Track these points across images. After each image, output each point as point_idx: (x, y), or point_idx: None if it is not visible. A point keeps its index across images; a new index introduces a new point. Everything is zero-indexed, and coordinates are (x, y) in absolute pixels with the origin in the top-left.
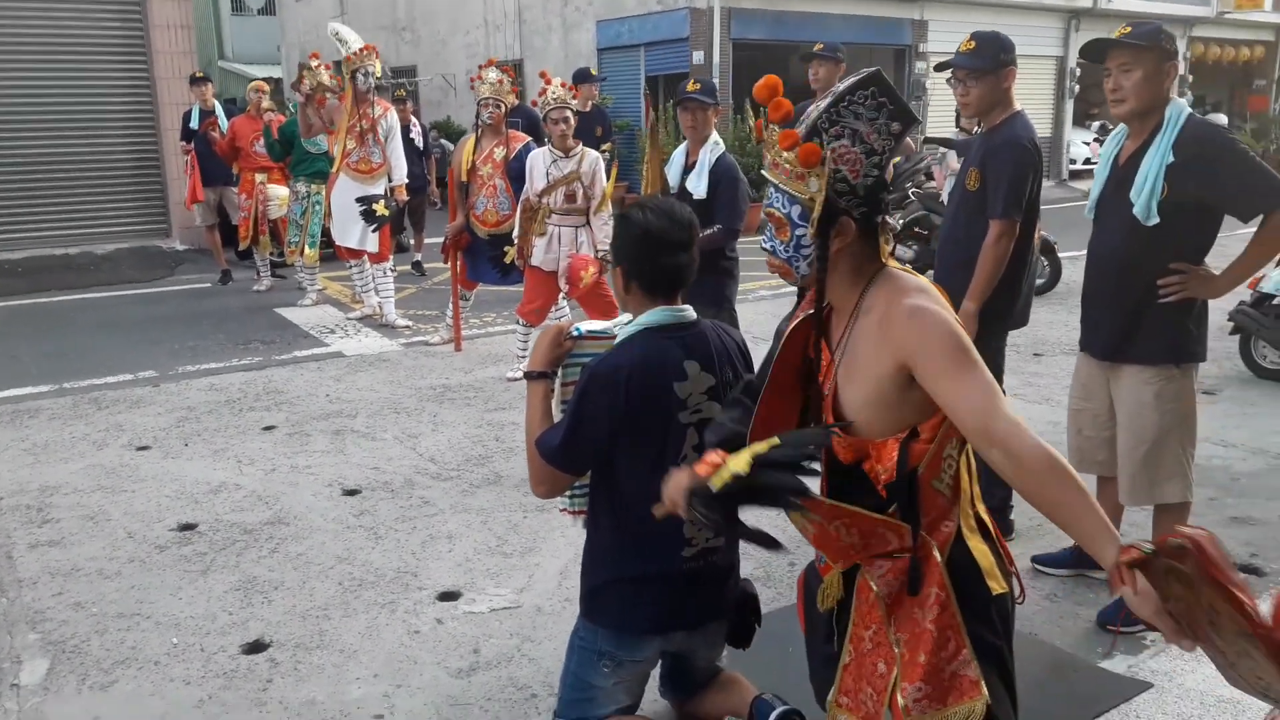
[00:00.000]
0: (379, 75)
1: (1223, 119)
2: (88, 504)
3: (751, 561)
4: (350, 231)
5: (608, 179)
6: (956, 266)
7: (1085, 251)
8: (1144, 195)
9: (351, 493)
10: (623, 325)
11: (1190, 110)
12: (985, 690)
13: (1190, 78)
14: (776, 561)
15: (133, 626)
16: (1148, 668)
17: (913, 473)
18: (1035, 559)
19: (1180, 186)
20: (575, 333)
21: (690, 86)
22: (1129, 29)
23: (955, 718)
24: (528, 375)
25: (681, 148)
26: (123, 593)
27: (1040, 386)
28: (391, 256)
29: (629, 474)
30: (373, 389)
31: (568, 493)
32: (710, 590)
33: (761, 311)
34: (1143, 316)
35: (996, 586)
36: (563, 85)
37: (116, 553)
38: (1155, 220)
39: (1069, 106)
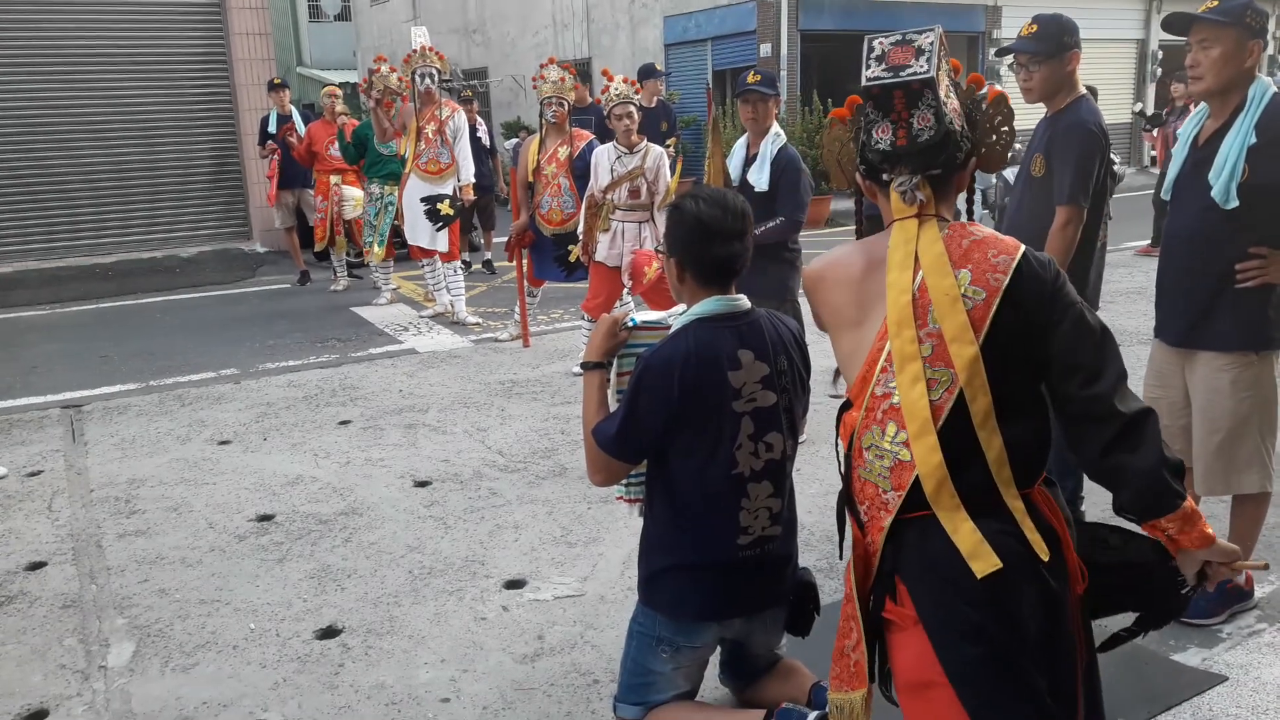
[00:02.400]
0: (445, 76)
1: None
2: (172, 496)
3: (815, 553)
4: (421, 231)
5: (672, 175)
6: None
7: (1144, 244)
8: (1223, 177)
9: (422, 484)
10: (678, 315)
11: (1277, 90)
12: (865, 682)
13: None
14: (835, 553)
15: (213, 612)
16: (1222, 661)
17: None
18: None
19: (1262, 169)
20: (630, 323)
21: (750, 78)
22: (1215, 2)
23: (841, 704)
24: (584, 366)
25: (742, 140)
26: (204, 580)
27: None
28: (462, 255)
29: (684, 462)
30: (444, 384)
31: (624, 481)
32: (767, 578)
33: None
34: (1219, 301)
35: (981, 567)
36: (626, 81)
37: (198, 542)
38: (1235, 203)
39: (1151, 90)
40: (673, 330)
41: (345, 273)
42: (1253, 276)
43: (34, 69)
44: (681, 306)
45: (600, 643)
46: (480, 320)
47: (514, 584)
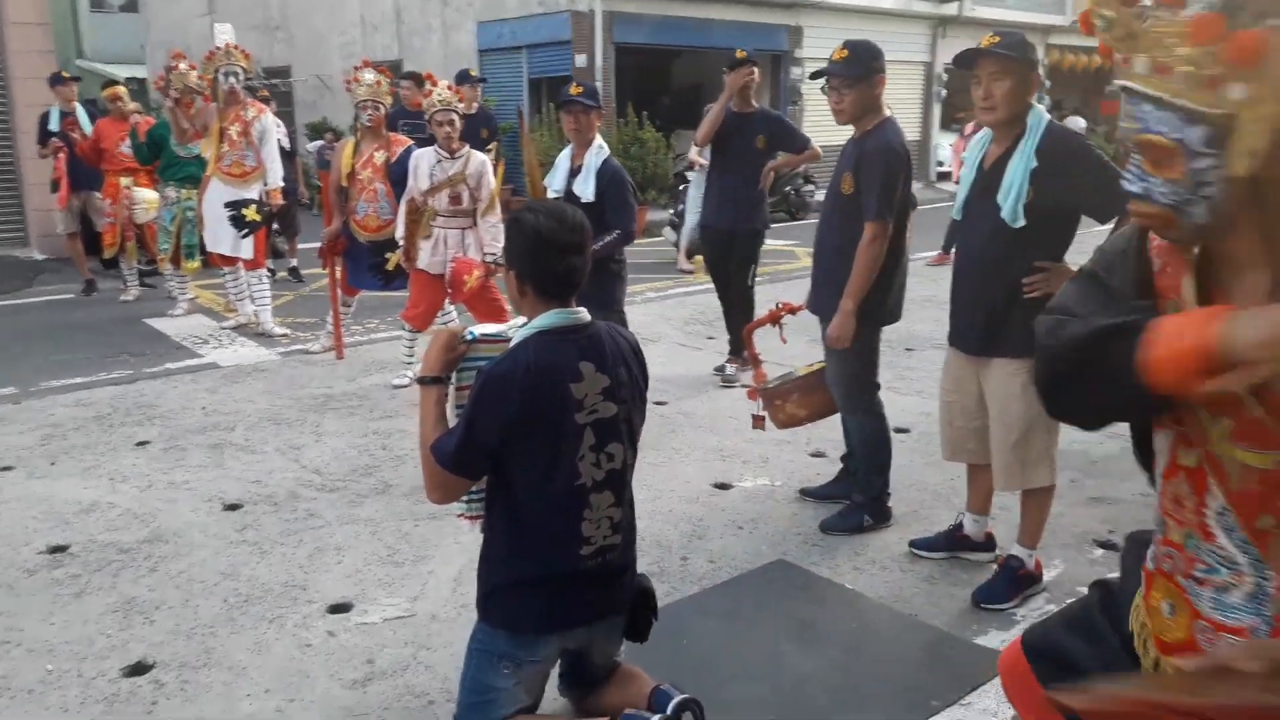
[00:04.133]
0: (250, 75)
1: (1082, 123)
2: None
3: (646, 558)
4: (223, 238)
5: (494, 181)
6: (833, 267)
7: (935, 254)
8: (1011, 199)
9: (233, 507)
10: (517, 329)
11: (1049, 117)
12: None
13: (1048, 83)
14: (669, 557)
15: (2, 655)
16: None
17: None
18: (912, 543)
19: (1044, 190)
20: (469, 336)
21: (573, 90)
22: (997, 38)
23: None
24: (421, 380)
25: (566, 151)
26: None
27: (912, 380)
28: (268, 262)
29: (525, 476)
30: (251, 400)
31: (464, 497)
32: (608, 587)
33: (650, 314)
34: (1011, 312)
35: None
36: (449, 88)
37: None
38: (1022, 223)
39: (936, 111)
40: (513, 343)
41: (136, 282)
42: (1038, 288)
43: None
44: (520, 319)
45: (434, 663)
46: (288, 331)
47: (339, 608)
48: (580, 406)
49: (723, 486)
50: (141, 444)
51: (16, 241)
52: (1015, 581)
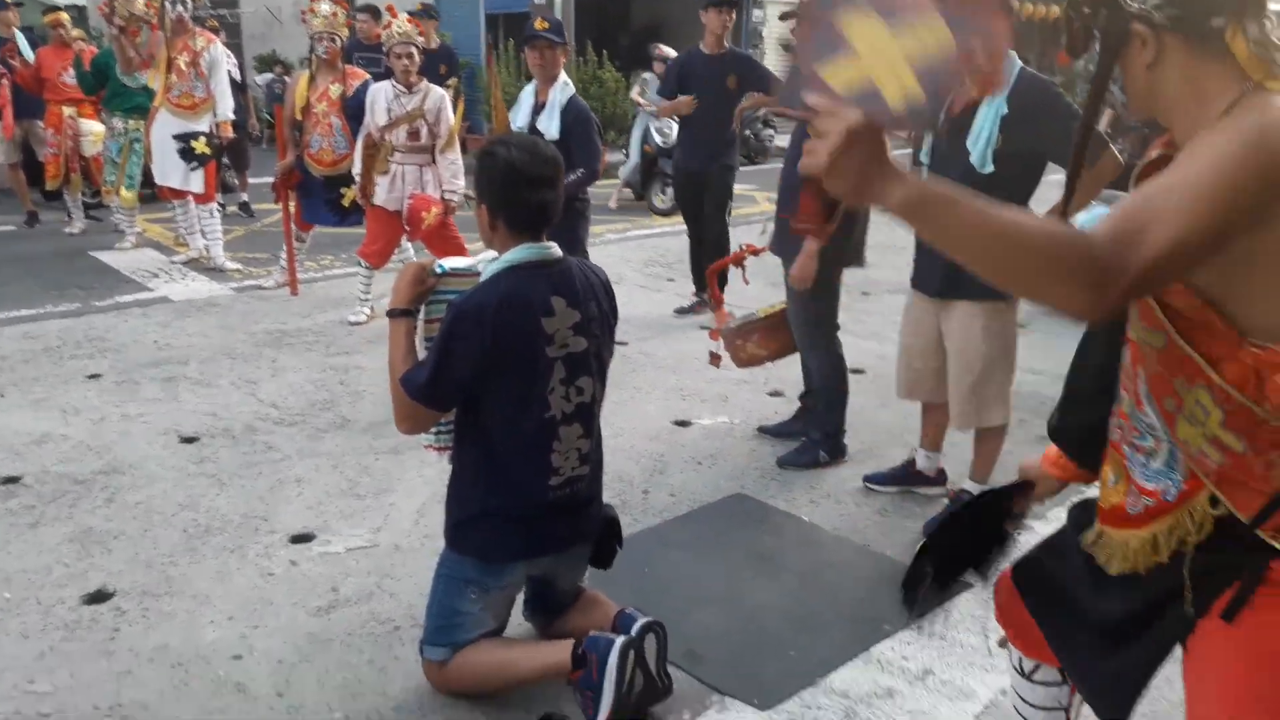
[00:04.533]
0: (196, 3)
1: None
2: None
3: (609, 491)
4: (172, 171)
5: (454, 115)
6: (796, 209)
7: None
8: (980, 144)
9: (189, 440)
10: (487, 263)
11: (1021, 65)
12: None
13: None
14: (631, 491)
15: None
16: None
17: None
18: (866, 478)
19: (1013, 137)
20: (439, 270)
21: (538, 24)
22: None
23: None
24: (390, 313)
25: (530, 87)
26: None
27: (868, 323)
28: (218, 197)
29: (496, 408)
30: (204, 335)
31: (433, 429)
32: (575, 517)
33: (610, 255)
34: None
35: None
36: (409, 20)
37: None
38: (990, 168)
39: None
40: (484, 277)
41: (82, 214)
42: None
43: None
44: (490, 253)
45: (398, 591)
46: (241, 267)
47: (301, 538)
48: (551, 340)
49: (683, 424)
50: (93, 377)
51: None
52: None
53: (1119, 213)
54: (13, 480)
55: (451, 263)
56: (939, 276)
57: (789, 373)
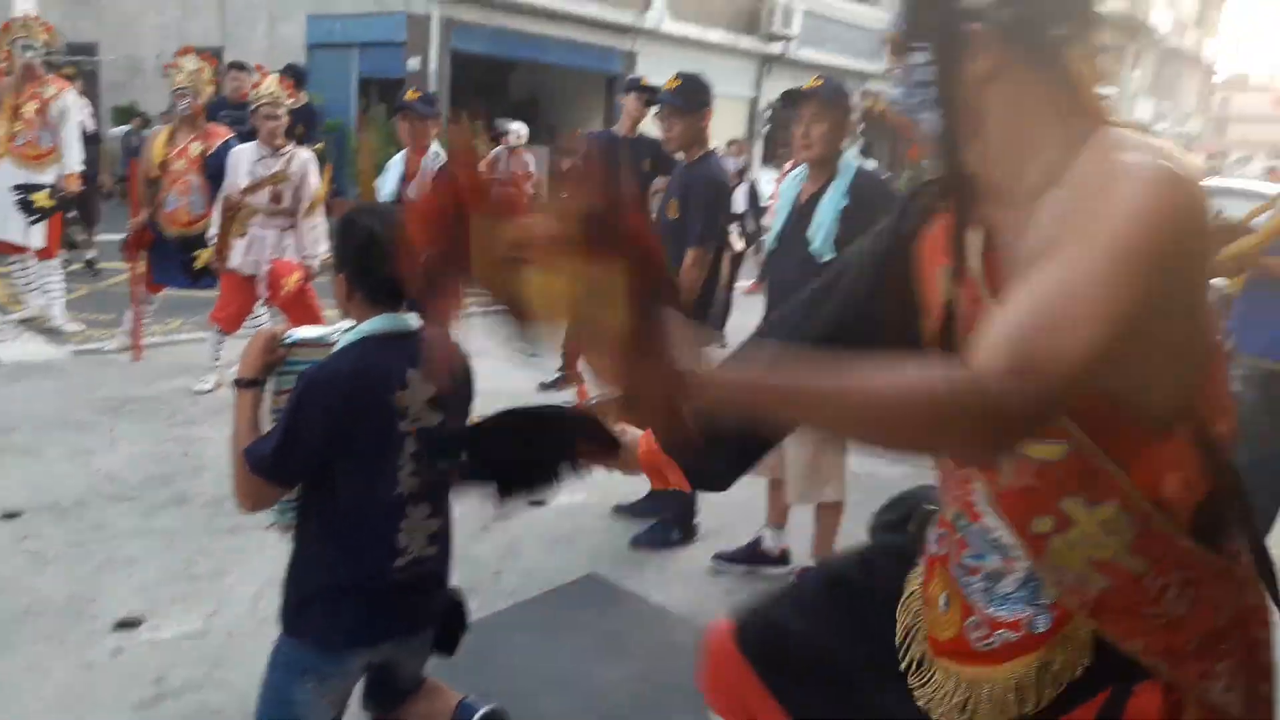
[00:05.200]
0: (52, 49)
1: (874, 164)
2: None
3: (458, 573)
4: (11, 224)
5: (320, 181)
6: None
7: (751, 282)
8: (822, 233)
9: (11, 515)
10: (341, 332)
11: (858, 161)
12: None
13: (862, 125)
14: (481, 572)
15: None
16: None
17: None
18: (715, 557)
19: (852, 227)
20: (289, 339)
21: (410, 95)
22: (821, 81)
23: None
24: (237, 383)
25: (400, 155)
26: None
27: None
28: (62, 252)
29: (343, 483)
30: (37, 399)
31: (276, 506)
32: (421, 600)
33: (474, 326)
34: None
35: None
36: (279, 81)
37: None
38: (830, 255)
39: (759, 145)
40: (337, 347)
41: None
42: None
43: None
44: (345, 324)
45: (231, 679)
46: (82, 328)
47: (127, 624)
48: (404, 415)
49: (537, 502)
50: None
51: None
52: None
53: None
54: None
55: (303, 332)
56: None
57: None
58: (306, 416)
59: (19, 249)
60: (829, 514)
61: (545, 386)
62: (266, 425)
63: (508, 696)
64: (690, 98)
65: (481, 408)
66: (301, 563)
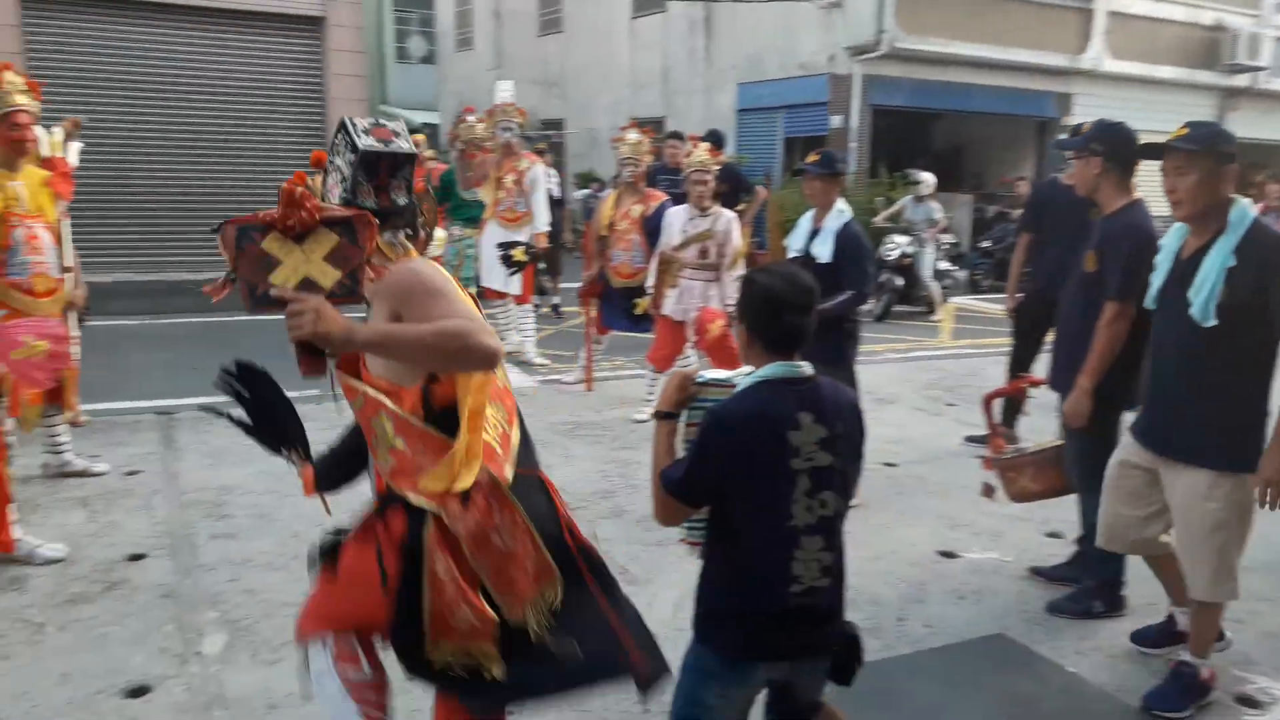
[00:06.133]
0: (525, 130)
1: None
2: (259, 504)
3: (860, 613)
4: (495, 275)
5: (741, 238)
6: (1074, 343)
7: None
8: (1203, 296)
9: None
10: (744, 376)
11: (1255, 215)
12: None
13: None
14: (884, 615)
15: (297, 614)
16: None
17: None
18: (1133, 636)
19: (1240, 290)
20: (700, 379)
21: (810, 158)
22: (1186, 130)
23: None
24: (656, 415)
25: (809, 214)
26: (288, 584)
27: None
28: (534, 298)
29: (742, 511)
30: None
31: (686, 524)
32: (814, 627)
33: (886, 375)
34: (1201, 414)
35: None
36: (709, 151)
37: (284, 549)
38: (1213, 321)
39: None
40: (739, 389)
41: None
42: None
43: (145, 95)
44: (748, 367)
45: None
46: (547, 362)
47: None
48: (796, 453)
49: (948, 555)
50: None
51: None
52: (1190, 690)
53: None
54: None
55: (712, 374)
56: (1160, 431)
57: (1071, 513)
58: (709, 448)
59: (501, 295)
60: (1212, 611)
61: (973, 440)
62: (679, 452)
63: None
64: (1109, 143)
65: (893, 454)
66: (707, 578)
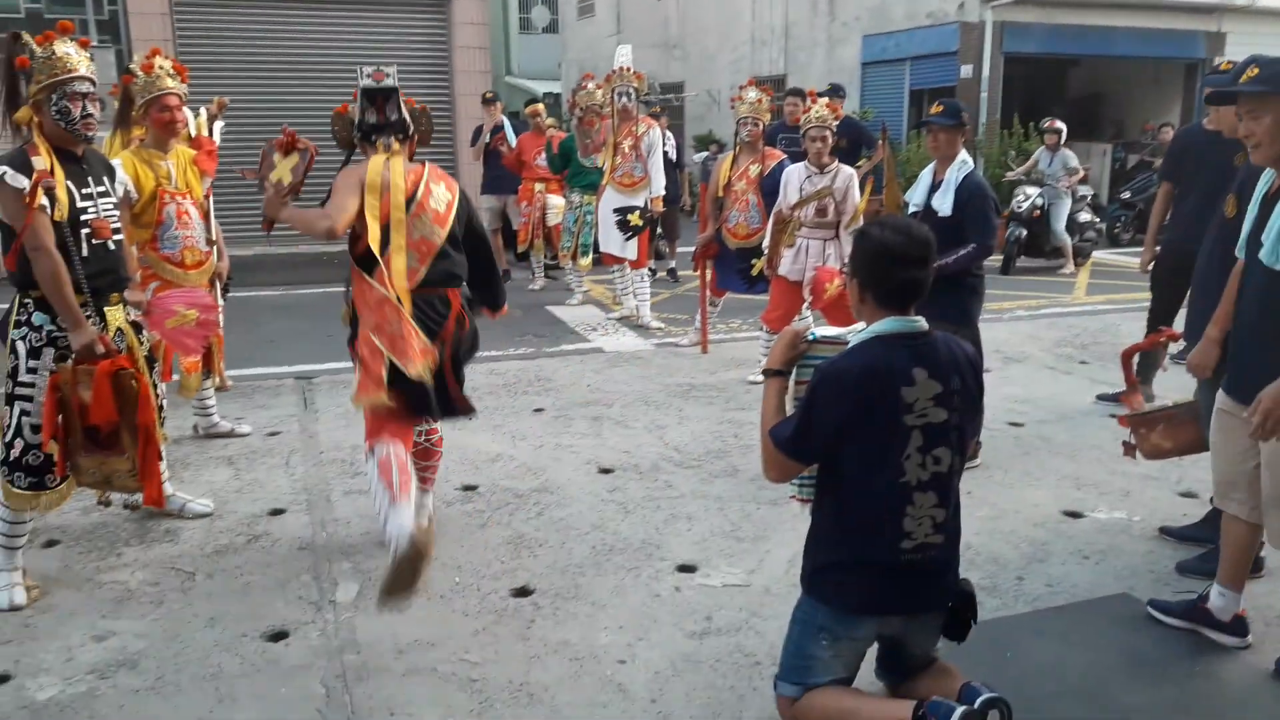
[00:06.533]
0: (644, 94)
1: None
2: None
3: (979, 571)
4: (612, 240)
5: (861, 194)
6: (1209, 294)
7: None
8: (1271, 238)
9: (606, 471)
10: (856, 332)
11: None
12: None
13: None
14: (1004, 575)
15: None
16: None
17: None
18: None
19: None
20: (811, 337)
21: (932, 109)
22: (1256, 71)
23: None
24: (765, 373)
25: (930, 166)
26: None
27: None
28: (649, 263)
29: (854, 468)
30: (627, 383)
31: (796, 481)
32: (926, 583)
33: (1015, 332)
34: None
35: None
36: (828, 106)
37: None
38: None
39: None
40: (851, 345)
41: (542, 274)
42: None
43: (282, 75)
44: (861, 324)
45: (764, 630)
46: (663, 325)
47: (686, 568)
48: (910, 409)
49: (1073, 514)
50: (538, 411)
51: None
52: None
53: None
54: (471, 489)
55: (823, 331)
56: (1249, 382)
57: (1208, 472)
58: (819, 405)
59: (618, 260)
60: None
61: (1105, 398)
62: (789, 409)
63: (1018, 697)
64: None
65: (1019, 414)
66: (818, 533)
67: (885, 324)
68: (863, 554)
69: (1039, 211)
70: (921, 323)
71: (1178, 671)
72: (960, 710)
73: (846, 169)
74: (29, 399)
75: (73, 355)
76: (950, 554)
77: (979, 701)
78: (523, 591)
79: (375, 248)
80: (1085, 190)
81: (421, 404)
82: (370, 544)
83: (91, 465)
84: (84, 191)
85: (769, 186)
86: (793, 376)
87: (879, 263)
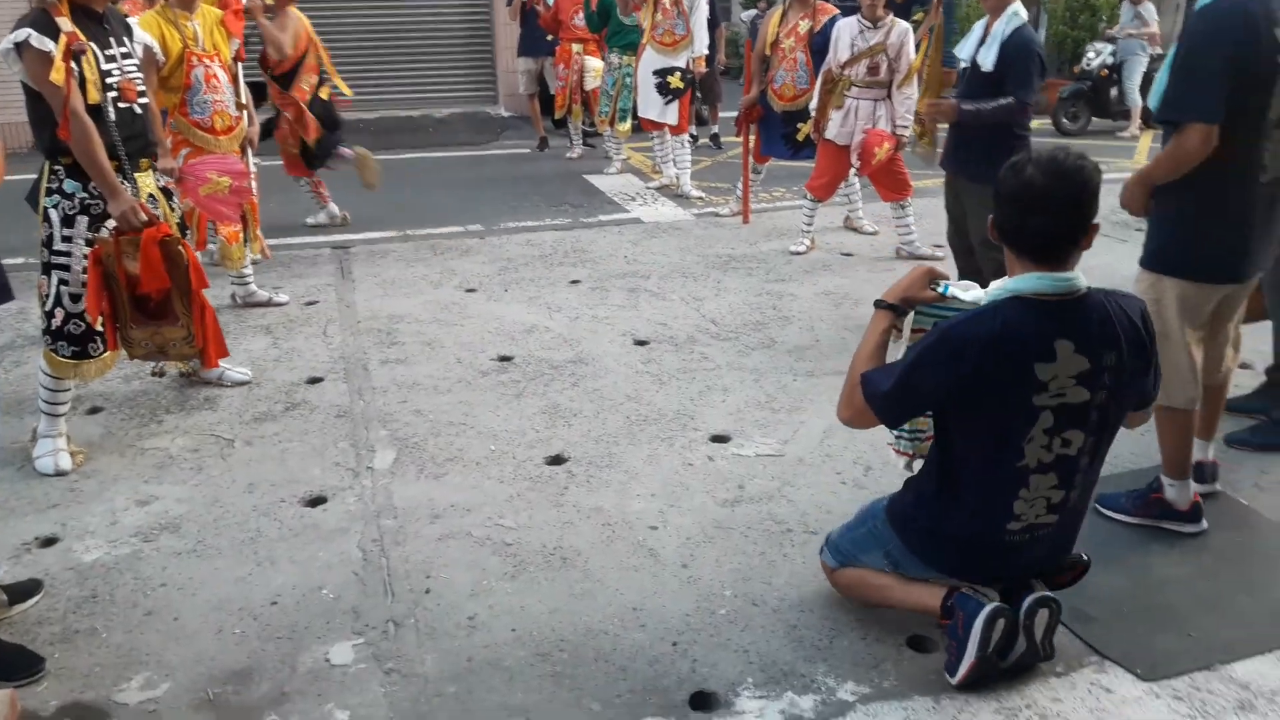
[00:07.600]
0: None
1: None
2: (426, 333)
3: None
4: (651, 104)
5: (916, 52)
6: None
7: None
8: None
9: (641, 343)
10: (994, 293)
11: None
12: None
13: None
14: None
15: (460, 433)
16: None
17: None
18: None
19: None
20: (941, 287)
21: None
22: None
23: None
24: (877, 303)
25: (981, 21)
26: (453, 405)
27: None
28: (691, 128)
29: (965, 442)
30: (665, 254)
31: (896, 433)
32: (1023, 559)
33: None
34: None
35: None
36: None
37: (448, 373)
38: None
39: None
40: (983, 301)
41: (580, 141)
42: None
43: None
44: (997, 285)
45: (796, 498)
46: (703, 194)
47: (719, 438)
48: (1044, 388)
49: None
50: (574, 282)
51: (489, 99)
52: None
53: None
54: (507, 359)
55: (957, 288)
56: None
57: (1262, 343)
58: (930, 371)
59: (658, 126)
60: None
61: None
62: (893, 355)
63: None
64: None
65: None
66: (921, 492)
67: (1026, 280)
68: (960, 531)
69: (1107, 70)
70: (1076, 280)
71: (1219, 542)
72: (989, 609)
73: (902, 24)
74: (66, 268)
75: (111, 225)
76: (1064, 534)
77: (1028, 601)
78: (557, 460)
79: None
80: (1155, 50)
81: None
82: (408, 411)
83: (144, 336)
84: (107, 53)
85: (819, 44)
86: (909, 321)
87: (1020, 205)
